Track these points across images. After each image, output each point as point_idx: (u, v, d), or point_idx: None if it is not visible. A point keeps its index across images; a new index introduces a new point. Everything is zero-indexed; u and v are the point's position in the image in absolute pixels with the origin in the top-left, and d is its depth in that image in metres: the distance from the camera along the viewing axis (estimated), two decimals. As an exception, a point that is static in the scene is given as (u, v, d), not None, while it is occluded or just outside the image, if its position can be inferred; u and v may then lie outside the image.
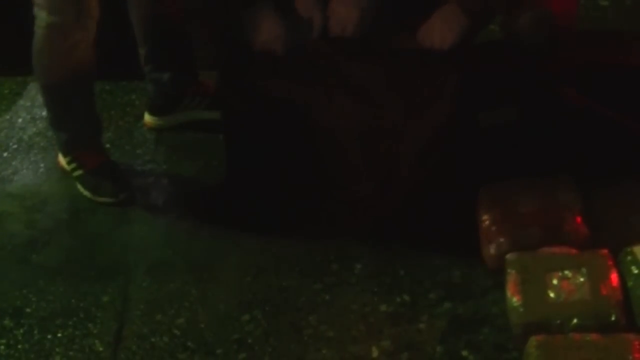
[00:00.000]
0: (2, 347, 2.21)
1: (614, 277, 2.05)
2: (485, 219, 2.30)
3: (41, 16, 2.43)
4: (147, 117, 2.94)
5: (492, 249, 2.25)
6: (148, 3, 2.75)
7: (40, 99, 2.99)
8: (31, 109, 3.08)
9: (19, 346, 2.21)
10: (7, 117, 3.07)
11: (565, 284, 2.05)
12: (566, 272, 2.07)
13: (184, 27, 2.82)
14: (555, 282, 2.06)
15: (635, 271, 2.06)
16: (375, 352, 2.09)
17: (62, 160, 2.72)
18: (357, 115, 2.35)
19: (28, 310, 2.31)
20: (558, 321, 2.00)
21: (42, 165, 2.83)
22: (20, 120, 3.05)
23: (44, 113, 2.88)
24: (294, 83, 2.38)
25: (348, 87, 2.36)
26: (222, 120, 2.55)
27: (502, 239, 2.24)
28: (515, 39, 2.53)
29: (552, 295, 2.04)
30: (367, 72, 2.38)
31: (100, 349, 2.19)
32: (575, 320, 1.99)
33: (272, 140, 2.41)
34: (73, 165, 2.66)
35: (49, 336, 2.23)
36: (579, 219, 2.24)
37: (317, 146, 2.40)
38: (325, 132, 2.37)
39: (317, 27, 2.48)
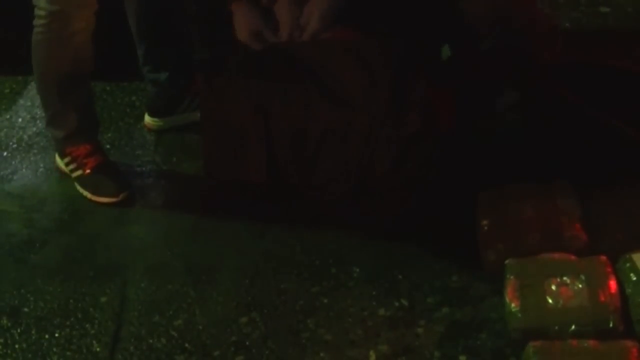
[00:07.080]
0: None
1: (613, 284, 2.04)
2: (484, 225, 2.30)
3: (41, 5, 2.43)
4: (147, 119, 2.94)
5: (491, 255, 2.24)
6: (141, 2, 2.75)
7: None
8: (31, 109, 3.08)
9: (16, 346, 2.21)
10: (7, 116, 3.07)
11: (563, 290, 2.05)
12: (565, 278, 2.07)
13: (181, 27, 2.82)
14: (553, 288, 2.05)
15: (634, 278, 2.06)
16: (372, 356, 2.09)
17: (60, 162, 2.71)
18: (332, 117, 2.36)
19: (25, 309, 2.31)
20: (556, 327, 2.00)
21: (41, 165, 2.83)
22: (20, 119, 3.05)
23: (44, 113, 2.88)
24: (269, 83, 2.38)
25: (323, 88, 2.36)
26: (201, 120, 2.55)
27: (500, 245, 2.24)
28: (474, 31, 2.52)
29: (550, 301, 2.04)
30: (343, 74, 2.38)
31: (98, 349, 2.18)
32: (573, 327, 1.99)
33: (246, 138, 2.42)
34: (72, 166, 2.66)
35: (47, 336, 2.23)
36: (577, 225, 2.23)
37: (291, 147, 2.41)
38: (300, 132, 2.38)
39: (291, 28, 2.46)
